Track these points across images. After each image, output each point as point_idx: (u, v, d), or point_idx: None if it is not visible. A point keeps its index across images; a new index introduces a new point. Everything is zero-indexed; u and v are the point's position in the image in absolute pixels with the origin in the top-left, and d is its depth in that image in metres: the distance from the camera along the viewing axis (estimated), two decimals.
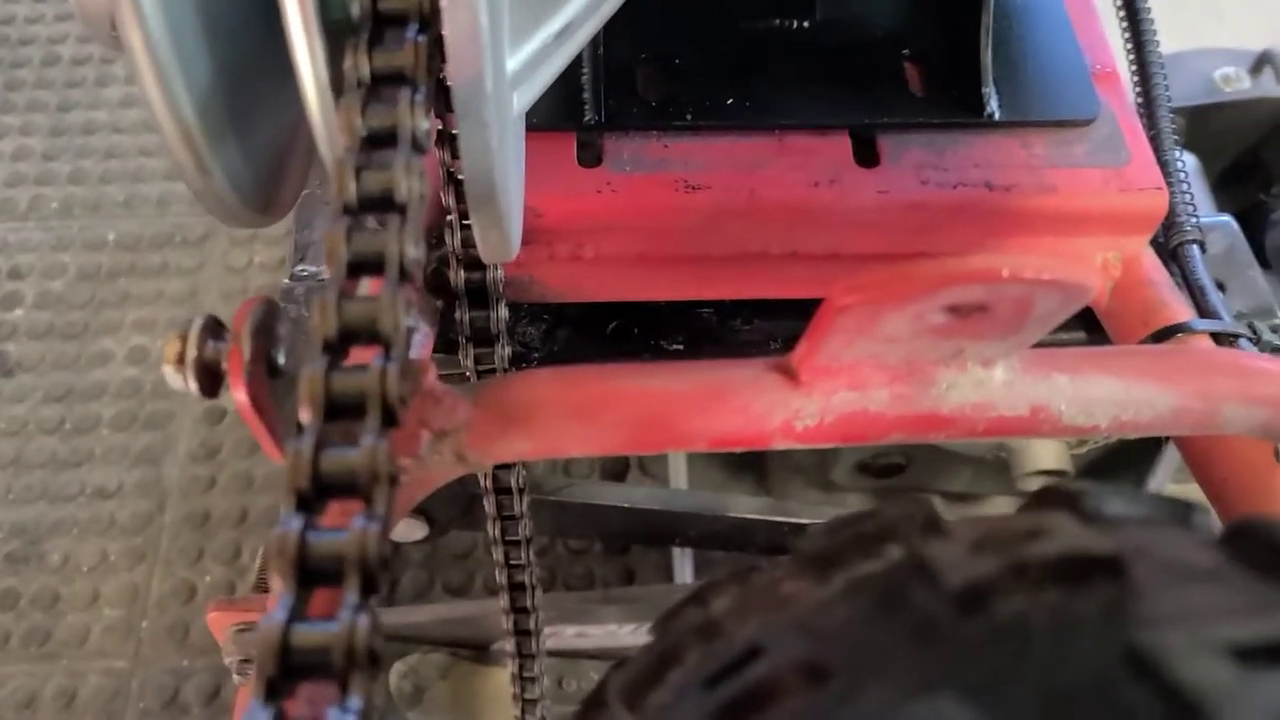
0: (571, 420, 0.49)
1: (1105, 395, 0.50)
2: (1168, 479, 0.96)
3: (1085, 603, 0.29)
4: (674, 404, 0.49)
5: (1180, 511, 0.35)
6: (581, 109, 0.74)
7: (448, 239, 0.63)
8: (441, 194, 0.58)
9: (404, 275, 0.34)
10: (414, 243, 0.34)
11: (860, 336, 0.45)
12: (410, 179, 0.35)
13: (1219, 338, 0.69)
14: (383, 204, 0.35)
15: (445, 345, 0.73)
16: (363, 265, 0.34)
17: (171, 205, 1.71)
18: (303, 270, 0.85)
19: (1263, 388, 0.52)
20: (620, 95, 0.75)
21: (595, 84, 0.74)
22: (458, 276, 0.65)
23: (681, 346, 0.80)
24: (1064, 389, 0.50)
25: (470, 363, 0.69)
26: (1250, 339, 0.69)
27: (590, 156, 0.72)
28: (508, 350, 0.69)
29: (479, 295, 0.66)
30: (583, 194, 0.70)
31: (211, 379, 0.43)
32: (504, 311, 0.67)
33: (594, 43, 0.75)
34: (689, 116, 0.74)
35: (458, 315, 0.67)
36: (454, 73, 0.39)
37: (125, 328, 1.60)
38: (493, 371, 0.69)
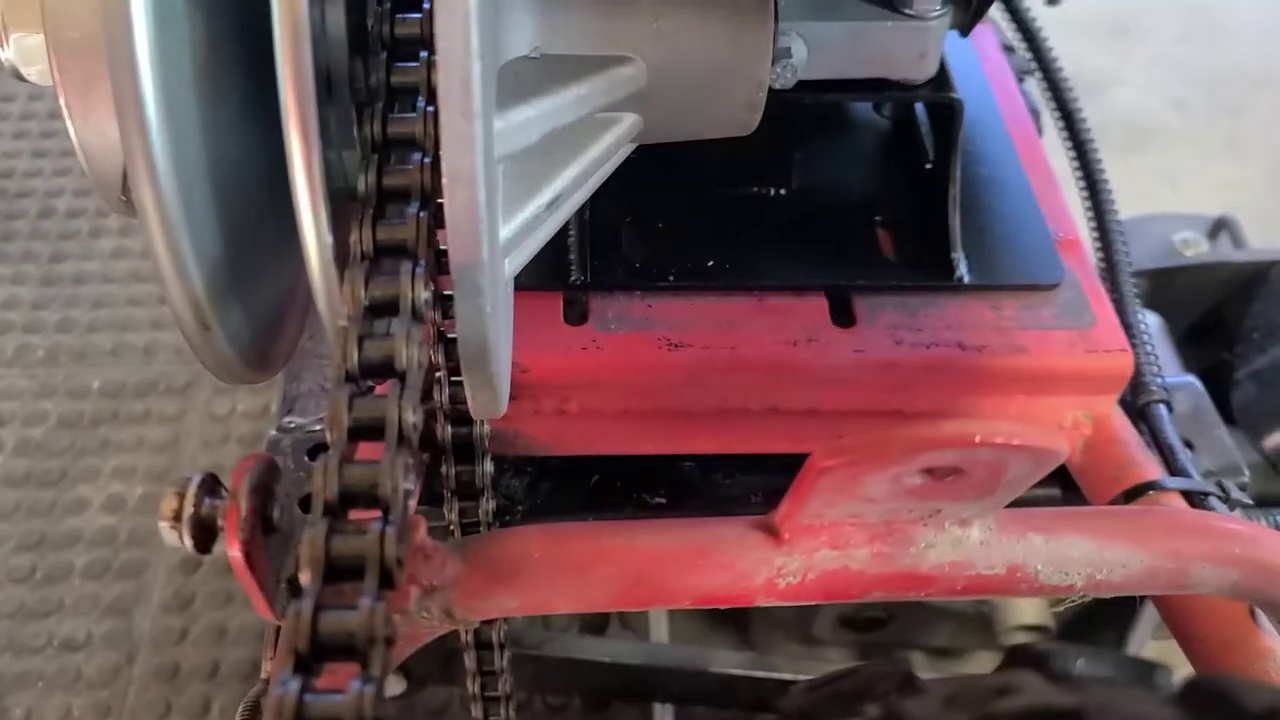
0: (559, 578, 0.50)
1: (1079, 555, 0.51)
2: (1149, 635, 0.96)
3: None
4: (660, 562, 0.50)
5: (1143, 671, 0.36)
6: (568, 269, 0.76)
7: (436, 395, 0.64)
8: (431, 351, 0.60)
9: (403, 440, 0.35)
10: (413, 409, 0.36)
11: (841, 497, 0.46)
12: (411, 348, 0.37)
13: (1189, 496, 0.70)
14: (384, 372, 0.36)
15: (429, 498, 0.74)
16: (364, 431, 0.35)
17: (157, 354, 1.72)
18: (290, 422, 0.85)
19: (1231, 548, 0.53)
20: (605, 256, 0.77)
21: (581, 245, 0.77)
22: (445, 432, 0.66)
23: (664, 500, 0.80)
24: (1039, 549, 0.51)
25: (455, 516, 0.69)
26: (1220, 497, 0.71)
27: (576, 315, 0.75)
28: (492, 504, 0.70)
29: (465, 449, 0.67)
30: (569, 351, 0.72)
31: (207, 535, 0.44)
32: (489, 466, 0.68)
33: (580, 206, 0.78)
34: (672, 277, 0.76)
35: (444, 469, 0.68)
36: (453, 247, 0.41)
37: (104, 475, 1.59)
38: (477, 525, 0.69)
